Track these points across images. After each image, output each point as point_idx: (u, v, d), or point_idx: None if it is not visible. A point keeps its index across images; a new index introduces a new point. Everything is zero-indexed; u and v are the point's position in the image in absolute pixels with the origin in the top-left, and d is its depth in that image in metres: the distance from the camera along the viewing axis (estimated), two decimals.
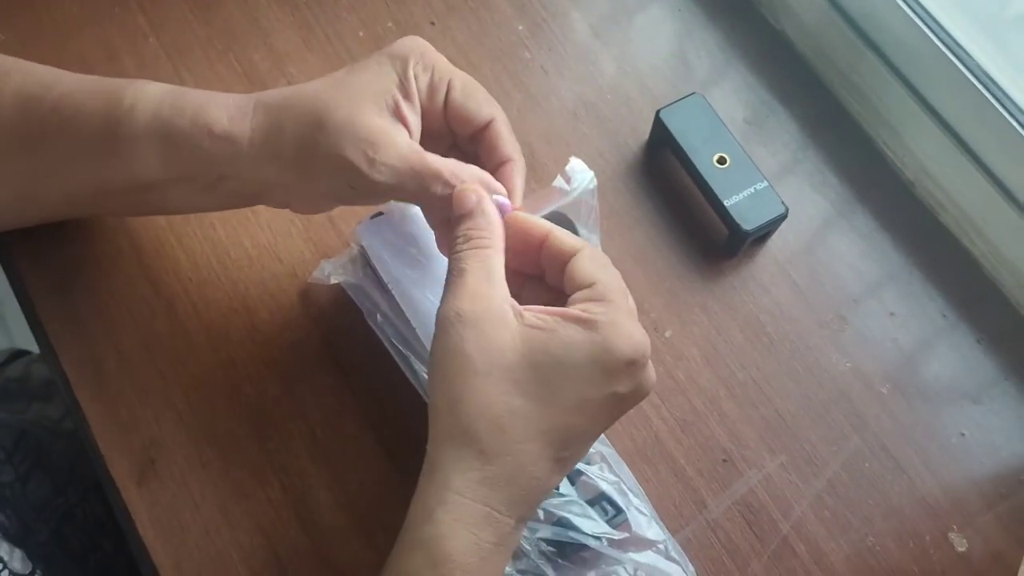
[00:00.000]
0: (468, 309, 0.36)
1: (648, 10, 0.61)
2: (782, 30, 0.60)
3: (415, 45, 0.42)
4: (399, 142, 0.40)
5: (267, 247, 0.52)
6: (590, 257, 0.38)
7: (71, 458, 0.60)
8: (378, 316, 0.47)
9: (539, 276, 0.41)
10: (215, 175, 0.42)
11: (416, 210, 0.49)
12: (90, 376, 0.48)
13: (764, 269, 0.54)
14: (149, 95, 0.42)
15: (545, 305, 0.37)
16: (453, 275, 0.37)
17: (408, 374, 0.45)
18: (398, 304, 0.46)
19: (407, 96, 0.41)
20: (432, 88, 0.42)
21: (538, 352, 0.35)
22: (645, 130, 0.56)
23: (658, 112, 0.54)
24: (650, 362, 0.37)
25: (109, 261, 0.51)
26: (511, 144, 0.43)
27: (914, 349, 0.52)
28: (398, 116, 0.41)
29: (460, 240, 0.38)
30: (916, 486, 0.49)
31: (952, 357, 0.52)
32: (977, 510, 0.48)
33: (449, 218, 0.40)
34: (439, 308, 0.37)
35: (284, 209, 0.45)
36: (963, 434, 0.50)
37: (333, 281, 0.48)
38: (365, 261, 0.48)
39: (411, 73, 0.41)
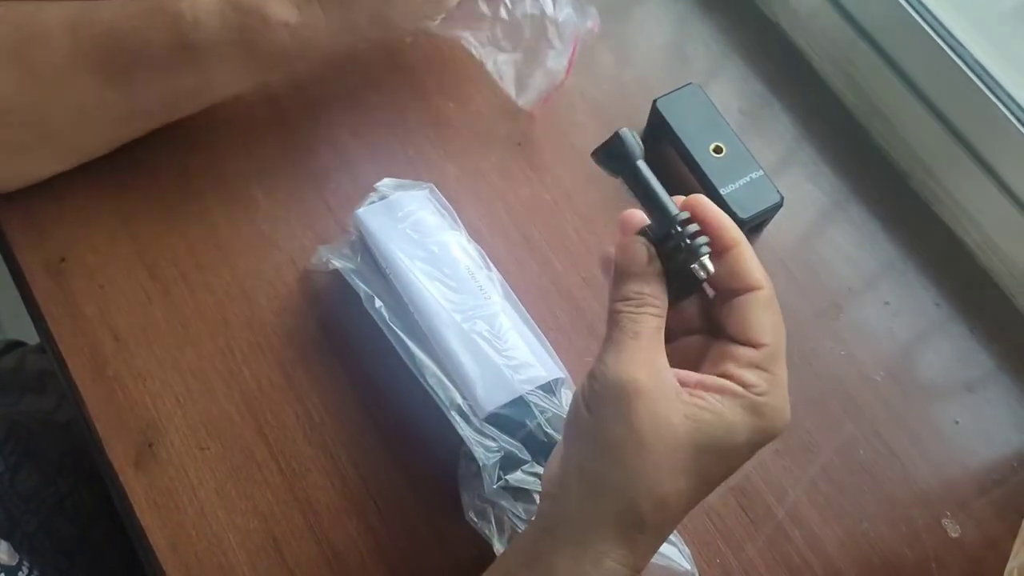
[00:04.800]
0: (645, 380, 0.33)
1: (645, 2, 0.62)
2: (777, 22, 0.61)
3: None
4: None
5: (265, 234, 0.52)
6: (767, 304, 0.34)
7: (62, 450, 0.60)
8: (375, 301, 0.47)
9: None
10: (292, 61, 0.48)
11: (413, 195, 0.50)
12: (87, 359, 0.48)
13: (760, 259, 0.53)
14: (204, 3, 0.44)
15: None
16: (626, 335, 0.34)
17: (405, 358, 0.45)
18: (396, 288, 0.47)
19: None
20: None
21: (704, 435, 0.33)
22: (641, 120, 0.56)
23: (655, 101, 0.54)
24: None
25: (106, 246, 0.51)
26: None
27: (908, 338, 0.53)
28: None
29: (635, 301, 0.35)
30: (910, 472, 0.49)
31: (946, 346, 0.53)
32: (970, 496, 0.49)
33: None
34: (605, 367, 0.33)
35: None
36: (956, 421, 0.51)
37: (331, 267, 0.49)
38: (363, 246, 0.49)
39: None
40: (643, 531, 0.33)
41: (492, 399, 0.43)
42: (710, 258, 0.35)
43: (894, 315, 0.53)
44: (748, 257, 0.35)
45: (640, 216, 0.37)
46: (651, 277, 0.35)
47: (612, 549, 0.33)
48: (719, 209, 0.36)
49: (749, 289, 0.35)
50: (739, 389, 0.33)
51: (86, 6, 0.45)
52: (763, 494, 0.48)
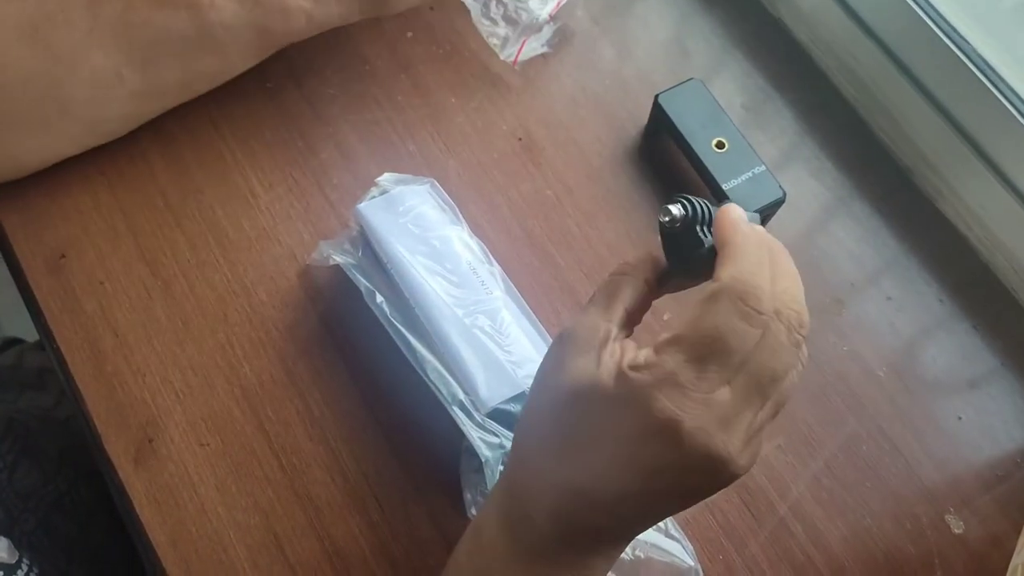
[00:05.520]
0: (569, 329, 0.34)
1: None
2: (779, 17, 0.61)
3: None
4: None
5: (266, 229, 0.52)
6: (709, 296, 0.32)
7: (61, 446, 0.60)
8: (376, 296, 0.46)
9: None
10: (312, 31, 0.49)
11: (415, 189, 0.50)
12: (87, 356, 0.48)
13: None
14: None
15: None
16: (587, 300, 0.36)
17: (407, 353, 0.45)
18: (397, 283, 0.46)
19: None
20: None
21: (574, 379, 0.33)
22: (643, 115, 0.56)
23: (657, 97, 0.54)
24: (738, 454, 0.31)
25: (106, 242, 0.51)
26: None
27: (911, 333, 0.52)
28: None
29: (615, 271, 0.36)
30: (913, 468, 0.49)
31: (949, 342, 0.52)
32: (974, 492, 0.48)
33: None
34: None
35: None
36: (960, 417, 0.50)
37: (332, 262, 0.48)
38: (364, 241, 0.48)
39: None
40: (519, 466, 0.35)
41: (494, 394, 0.43)
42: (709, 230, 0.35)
43: (897, 311, 0.53)
44: (728, 254, 0.33)
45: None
46: (643, 251, 0.37)
47: (504, 474, 0.36)
48: (737, 212, 0.35)
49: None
50: (622, 358, 0.32)
51: None
52: (766, 490, 0.47)
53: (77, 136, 0.50)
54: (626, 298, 0.35)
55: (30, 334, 0.66)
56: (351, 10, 0.49)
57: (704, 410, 0.30)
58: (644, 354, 0.32)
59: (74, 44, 0.45)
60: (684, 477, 0.32)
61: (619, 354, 0.33)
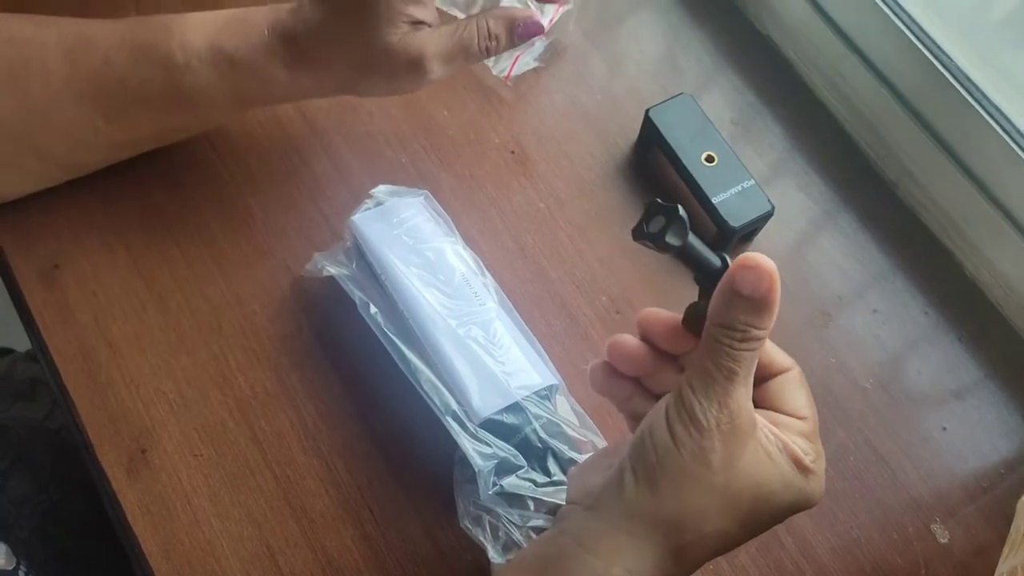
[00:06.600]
0: (728, 424, 0.33)
1: (638, 14, 0.62)
2: (767, 34, 0.62)
3: None
4: (428, 37, 0.46)
5: (260, 241, 0.52)
6: (801, 382, 0.37)
7: (53, 457, 0.60)
8: (370, 307, 0.47)
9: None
10: (288, 100, 0.51)
11: (408, 201, 0.50)
12: (80, 366, 0.48)
13: None
14: (195, 48, 0.45)
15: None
16: (721, 373, 0.33)
17: (400, 364, 0.46)
18: (391, 295, 0.47)
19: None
20: None
21: (762, 484, 0.34)
22: (634, 130, 0.57)
23: (647, 111, 0.55)
24: None
25: (100, 253, 0.51)
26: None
27: (897, 346, 0.53)
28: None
29: (740, 333, 0.33)
30: (899, 479, 0.49)
31: (934, 354, 0.53)
32: (959, 503, 0.49)
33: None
34: (694, 401, 0.33)
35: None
36: (945, 428, 0.51)
37: (326, 274, 0.49)
38: (358, 253, 0.49)
39: None
40: (677, 561, 0.34)
41: (487, 405, 0.43)
42: None
43: (883, 323, 0.54)
44: (773, 345, 0.37)
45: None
46: (765, 309, 0.33)
47: (644, 566, 0.33)
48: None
49: (781, 371, 0.37)
50: (799, 452, 0.34)
51: (83, 36, 0.45)
52: None
53: (56, 175, 0.50)
54: (755, 364, 0.34)
55: (21, 344, 0.66)
56: (324, 88, 0.48)
57: None
58: (804, 444, 0.35)
59: (51, 93, 0.45)
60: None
61: (783, 442, 0.34)
